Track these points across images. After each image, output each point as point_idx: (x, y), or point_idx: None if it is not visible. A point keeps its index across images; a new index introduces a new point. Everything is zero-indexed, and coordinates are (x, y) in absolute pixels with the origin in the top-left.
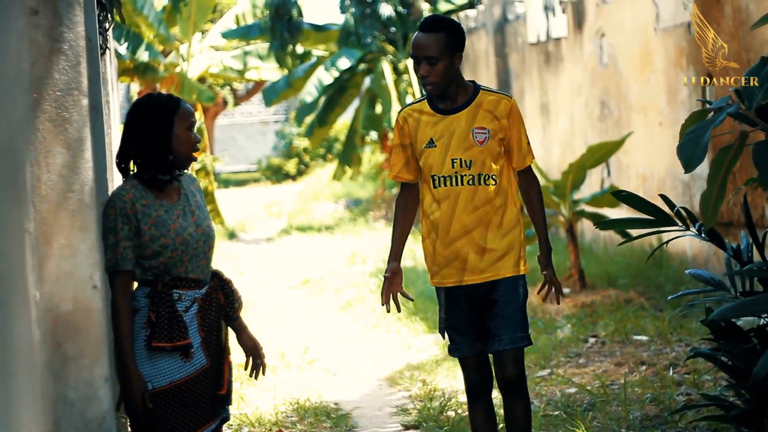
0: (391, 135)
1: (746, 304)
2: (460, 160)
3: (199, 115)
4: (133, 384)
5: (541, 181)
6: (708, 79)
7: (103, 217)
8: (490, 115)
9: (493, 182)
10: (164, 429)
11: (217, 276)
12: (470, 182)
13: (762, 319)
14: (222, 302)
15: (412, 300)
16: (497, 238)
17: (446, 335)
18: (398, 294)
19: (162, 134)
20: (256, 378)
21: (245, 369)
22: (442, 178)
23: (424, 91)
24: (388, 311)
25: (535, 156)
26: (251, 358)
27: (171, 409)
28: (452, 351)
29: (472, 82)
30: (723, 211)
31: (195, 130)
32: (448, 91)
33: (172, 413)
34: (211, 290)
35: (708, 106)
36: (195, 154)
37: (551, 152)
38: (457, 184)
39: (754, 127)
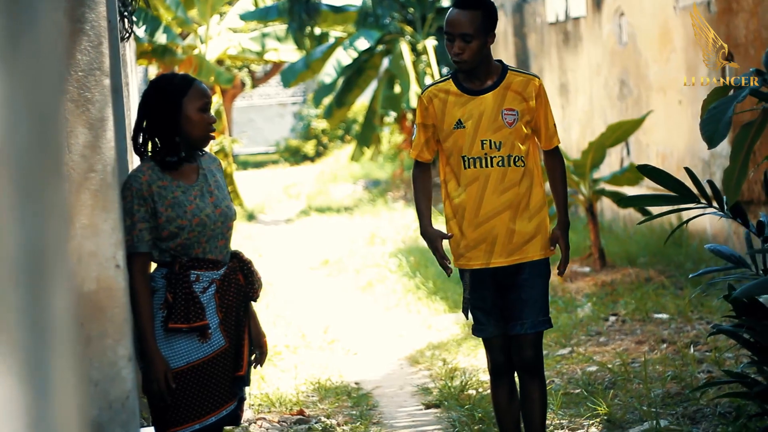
0: (410, 116)
1: None
2: (490, 141)
3: (217, 97)
4: (155, 365)
5: None
6: (728, 58)
7: (121, 197)
8: (519, 96)
9: (522, 164)
10: (182, 410)
11: (236, 256)
12: (500, 164)
13: None
14: (241, 283)
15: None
16: (525, 220)
17: (470, 316)
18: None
19: (169, 115)
20: (254, 368)
21: (250, 357)
22: (471, 160)
23: (451, 68)
24: (450, 274)
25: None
26: (255, 346)
27: (189, 390)
28: (477, 331)
29: (500, 61)
30: (744, 189)
31: (213, 112)
32: (478, 71)
33: (190, 394)
34: (230, 271)
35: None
36: (213, 135)
37: (570, 132)
38: (486, 166)
39: None
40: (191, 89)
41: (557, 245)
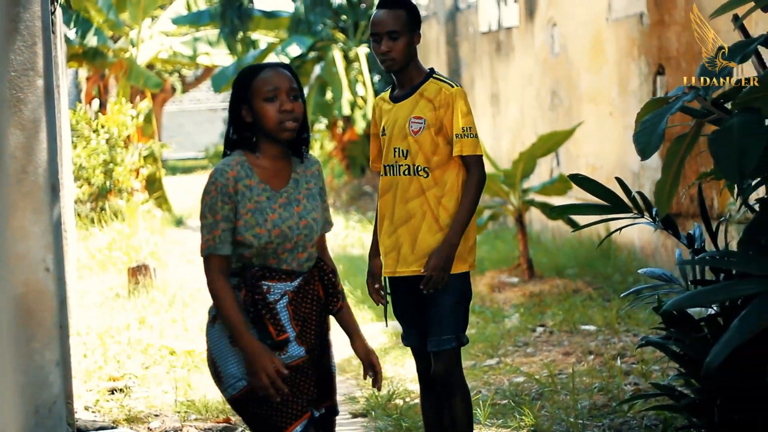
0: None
1: (700, 294)
2: (398, 149)
3: (147, 102)
4: (258, 357)
5: (491, 170)
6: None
7: (203, 193)
8: (430, 104)
9: (425, 175)
10: (262, 424)
11: (317, 265)
12: (405, 172)
13: (713, 309)
14: (320, 294)
15: (387, 293)
16: (430, 233)
17: (388, 323)
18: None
19: (235, 112)
20: (378, 390)
21: (364, 379)
22: (387, 167)
23: (382, 77)
24: (380, 304)
25: (477, 148)
26: (366, 367)
27: (267, 405)
28: (403, 339)
29: (431, 70)
30: (672, 203)
31: (143, 116)
32: (405, 76)
33: (268, 408)
34: (305, 282)
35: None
36: (289, 126)
37: (501, 141)
38: (396, 174)
39: (708, 116)
40: (256, 79)
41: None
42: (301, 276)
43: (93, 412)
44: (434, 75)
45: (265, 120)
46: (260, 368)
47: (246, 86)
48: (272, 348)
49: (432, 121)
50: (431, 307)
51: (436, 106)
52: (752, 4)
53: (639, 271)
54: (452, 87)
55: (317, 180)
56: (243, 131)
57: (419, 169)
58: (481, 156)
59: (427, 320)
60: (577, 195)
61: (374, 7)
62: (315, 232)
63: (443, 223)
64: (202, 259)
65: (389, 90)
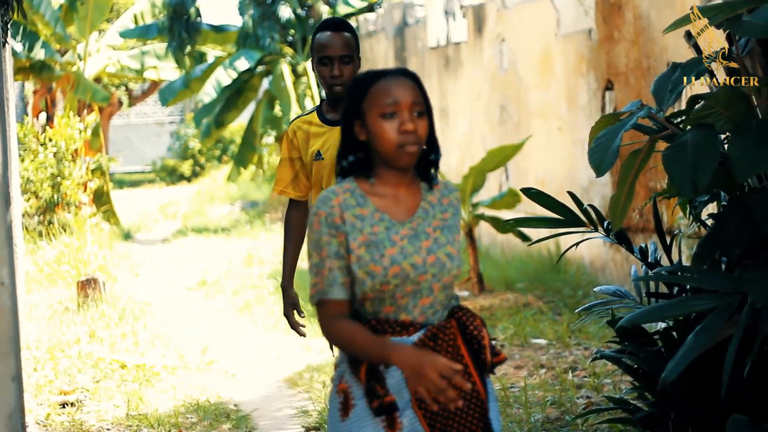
0: None
1: (655, 310)
2: None
3: (94, 115)
4: (422, 358)
5: None
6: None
7: (308, 228)
8: None
9: None
10: None
11: (454, 314)
12: None
13: (667, 323)
14: (461, 351)
15: (304, 316)
16: None
17: (335, 351)
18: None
19: (347, 127)
20: None
21: None
22: None
23: (329, 92)
24: (304, 335)
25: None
26: None
27: None
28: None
29: None
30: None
31: (90, 131)
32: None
33: None
34: (431, 336)
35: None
36: (410, 150)
37: (450, 156)
38: None
39: (661, 132)
40: (372, 88)
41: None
42: (424, 328)
43: (44, 426)
44: None
45: (380, 141)
46: (427, 365)
47: (360, 97)
48: (387, 422)
49: None
50: None
51: None
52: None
53: (594, 289)
54: None
55: (455, 210)
56: (356, 151)
57: None
58: None
59: None
60: (526, 209)
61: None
62: (447, 272)
63: None
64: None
65: (311, 113)
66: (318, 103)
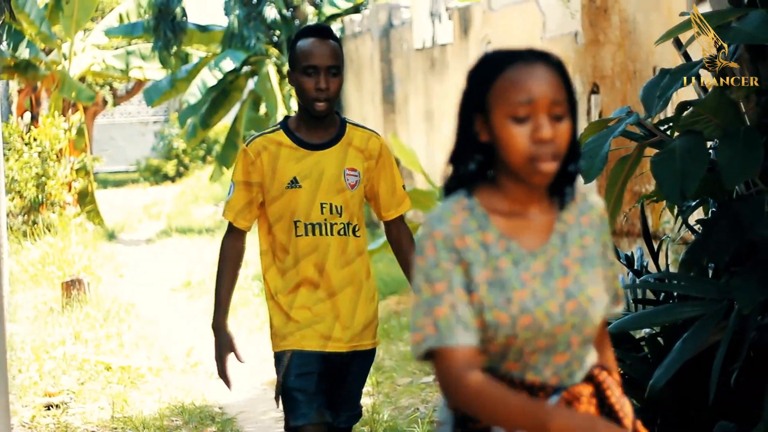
0: None
1: (643, 317)
2: (330, 205)
3: (79, 115)
4: (586, 422)
5: (427, 186)
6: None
7: (417, 256)
8: (361, 154)
9: (360, 233)
10: None
11: (591, 374)
12: (341, 232)
13: (653, 329)
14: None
15: (244, 362)
16: (366, 301)
17: (281, 403)
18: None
19: (464, 121)
20: None
21: None
22: (309, 226)
23: (310, 108)
24: (230, 386)
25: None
26: None
27: None
28: (294, 418)
29: (338, 113)
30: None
31: (75, 130)
32: (328, 120)
33: None
34: (568, 404)
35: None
36: (544, 168)
37: (435, 158)
38: (326, 234)
39: (649, 139)
40: (499, 79)
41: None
42: (558, 393)
43: (29, 428)
44: (347, 120)
45: (507, 149)
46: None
47: (485, 86)
48: None
49: (365, 174)
50: (352, 383)
51: (366, 157)
52: (695, 30)
53: None
54: (378, 136)
55: (598, 233)
56: (475, 154)
57: (356, 228)
58: None
59: (341, 397)
60: None
61: (309, 22)
62: (590, 321)
63: (372, 290)
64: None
65: (274, 132)
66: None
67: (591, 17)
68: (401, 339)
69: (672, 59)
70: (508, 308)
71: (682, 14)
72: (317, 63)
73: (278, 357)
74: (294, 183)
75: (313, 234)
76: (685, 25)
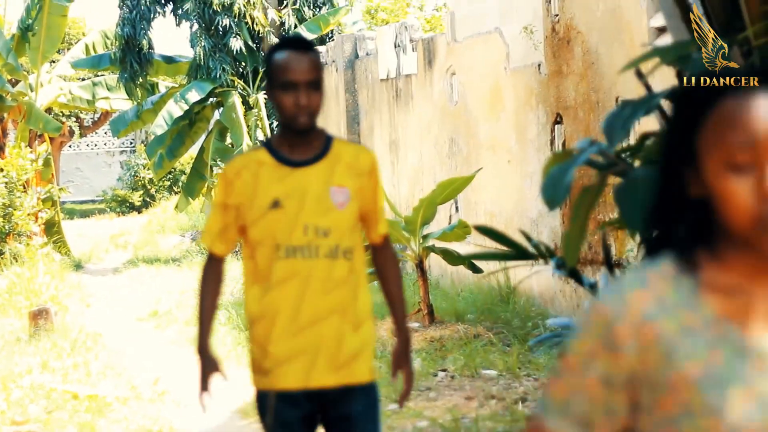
0: None
1: None
2: (314, 227)
3: (46, 145)
4: None
5: (391, 216)
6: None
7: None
8: (351, 170)
9: (350, 257)
10: None
11: None
12: (327, 255)
13: None
14: None
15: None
16: (352, 330)
17: None
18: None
19: (668, 171)
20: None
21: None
22: (291, 249)
23: (291, 124)
24: (205, 409)
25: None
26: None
27: None
28: None
29: (321, 129)
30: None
31: (42, 161)
32: (312, 135)
33: None
34: None
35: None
36: None
37: (400, 188)
38: (310, 257)
39: (611, 168)
40: (715, 115)
41: (399, 371)
42: None
43: None
44: (334, 136)
45: (726, 208)
46: None
47: (693, 124)
48: None
49: (355, 191)
50: (361, 427)
51: (358, 173)
52: (657, 59)
53: (548, 322)
54: (369, 151)
55: None
56: (684, 212)
57: (346, 251)
58: None
59: None
60: (476, 241)
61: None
62: None
63: (361, 318)
64: None
65: (256, 151)
66: (262, 138)
67: (554, 48)
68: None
69: (635, 89)
70: (723, 414)
71: (644, 45)
72: (295, 78)
73: (261, 397)
74: (276, 204)
75: (294, 257)
76: (648, 56)
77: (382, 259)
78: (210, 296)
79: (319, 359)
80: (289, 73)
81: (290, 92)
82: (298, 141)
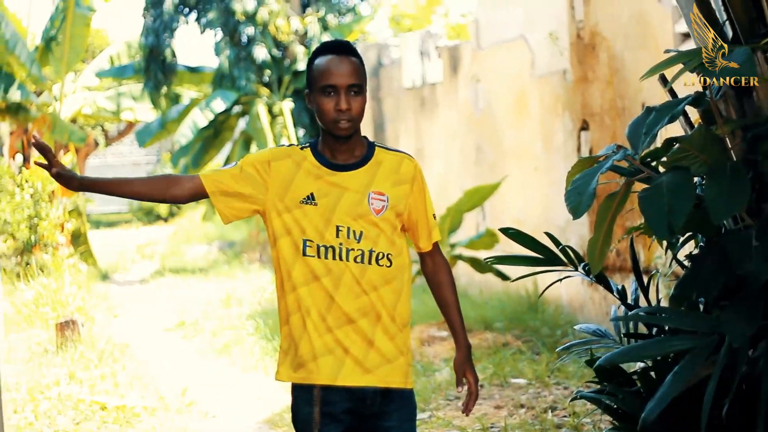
0: None
1: (633, 350)
2: (348, 229)
3: (71, 156)
4: None
5: None
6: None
7: None
8: (391, 178)
9: (388, 263)
10: None
11: None
12: (358, 259)
13: (645, 362)
14: None
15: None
16: (386, 336)
17: None
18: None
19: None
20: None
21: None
22: (322, 248)
23: (308, 131)
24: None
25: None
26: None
27: None
28: None
29: (365, 136)
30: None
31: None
32: (354, 142)
33: None
34: None
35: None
36: None
37: None
38: (341, 259)
39: (636, 175)
40: None
41: (465, 379)
42: None
43: None
44: (375, 143)
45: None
46: None
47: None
48: None
49: (395, 199)
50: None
51: (399, 180)
52: (681, 66)
53: (575, 327)
54: (411, 159)
55: None
56: None
57: (381, 257)
58: None
59: None
60: (504, 249)
61: (298, 62)
62: None
63: (399, 325)
64: None
65: (305, 148)
66: (301, 140)
67: (579, 55)
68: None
69: (661, 95)
70: None
71: (667, 51)
72: (336, 82)
73: (299, 388)
74: (309, 199)
75: (325, 258)
76: (670, 62)
77: (434, 266)
78: (135, 180)
79: (348, 360)
80: (330, 77)
81: (331, 97)
82: (340, 147)
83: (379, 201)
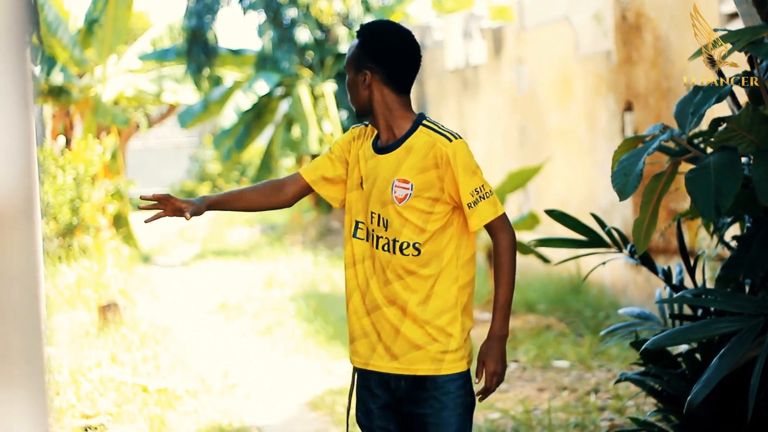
0: (308, 159)
1: (679, 333)
2: (379, 216)
3: (113, 138)
4: None
5: None
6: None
7: None
8: (419, 164)
9: (415, 252)
10: None
11: None
12: (385, 248)
13: (691, 345)
14: None
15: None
16: (416, 325)
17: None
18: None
19: None
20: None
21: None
22: (364, 231)
23: (350, 113)
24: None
25: (497, 207)
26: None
27: None
28: None
29: (421, 115)
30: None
31: (109, 154)
32: (383, 123)
33: None
34: None
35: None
36: None
37: None
38: (373, 245)
39: (683, 155)
40: None
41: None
42: None
43: None
44: (425, 122)
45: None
46: None
47: None
48: None
49: (422, 186)
50: (426, 424)
51: (427, 166)
52: (729, 46)
53: (619, 311)
54: (449, 140)
55: None
56: None
57: (405, 246)
58: (504, 214)
59: None
60: (546, 231)
61: (341, 44)
62: None
63: (432, 314)
64: None
65: (371, 128)
66: (343, 123)
67: (624, 35)
68: None
69: (706, 75)
70: None
71: (715, 30)
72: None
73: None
74: (361, 183)
75: (367, 240)
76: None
77: (494, 247)
78: (251, 187)
79: (380, 345)
80: None
81: None
82: (376, 127)
83: (402, 189)
